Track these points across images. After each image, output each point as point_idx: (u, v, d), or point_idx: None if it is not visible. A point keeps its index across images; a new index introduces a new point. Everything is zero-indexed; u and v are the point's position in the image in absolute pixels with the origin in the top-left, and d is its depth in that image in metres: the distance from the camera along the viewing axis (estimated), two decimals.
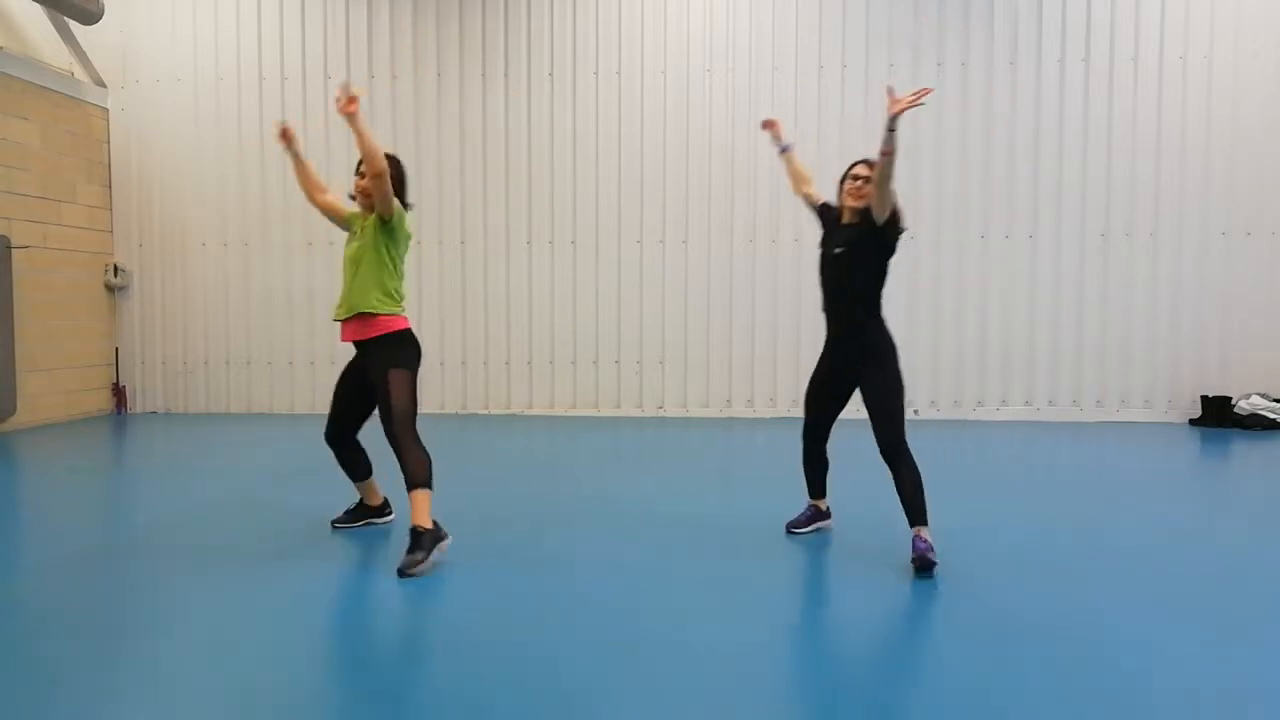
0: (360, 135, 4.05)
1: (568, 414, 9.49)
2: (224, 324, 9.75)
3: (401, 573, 3.95)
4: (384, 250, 4.32)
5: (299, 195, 9.43)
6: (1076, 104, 8.95)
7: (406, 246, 4.49)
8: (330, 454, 4.78)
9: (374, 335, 4.35)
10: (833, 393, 4.49)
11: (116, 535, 4.88)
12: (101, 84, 9.60)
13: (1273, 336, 8.89)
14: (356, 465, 4.74)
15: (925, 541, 3.99)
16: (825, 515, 4.76)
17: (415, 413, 4.30)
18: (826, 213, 4.49)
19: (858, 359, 4.31)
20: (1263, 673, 2.98)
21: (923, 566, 3.93)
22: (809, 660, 3.18)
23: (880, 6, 9.06)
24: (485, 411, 9.58)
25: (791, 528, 4.69)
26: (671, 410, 9.44)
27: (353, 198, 4.53)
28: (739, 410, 9.34)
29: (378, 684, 2.90)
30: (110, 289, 9.71)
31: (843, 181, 4.30)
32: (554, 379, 9.51)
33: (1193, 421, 8.89)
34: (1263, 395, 8.68)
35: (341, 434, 4.67)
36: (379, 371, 4.31)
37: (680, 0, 9.22)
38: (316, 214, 4.88)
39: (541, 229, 9.45)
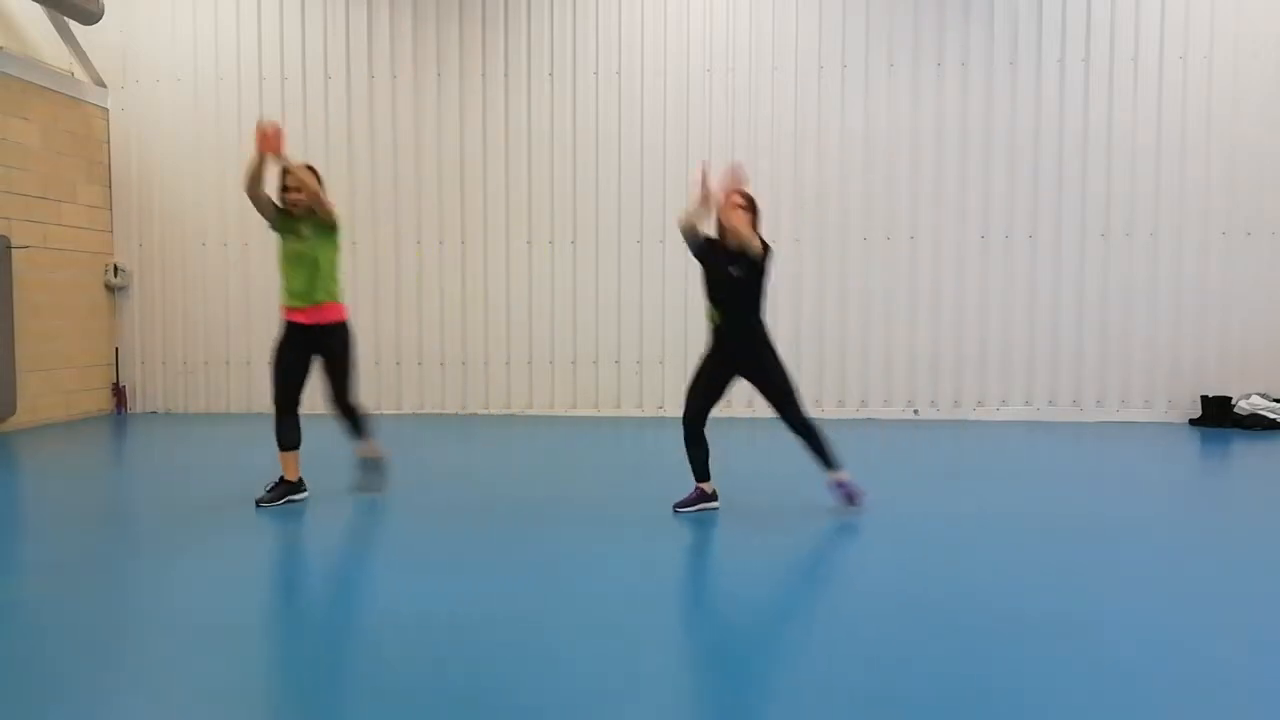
0: (294, 172, 5.00)
1: (568, 414, 9.49)
2: (224, 324, 9.75)
3: (364, 490, 5.22)
4: (334, 251, 5.27)
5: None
6: (1076, 104, 8.96)
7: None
8: (302, 449, 5.27)
9: (332, 320, 5.26)
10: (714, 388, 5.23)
11: (117, 535, 4.88)
12: (101, 84, 9.60)
13: (1273, 336, 8.89)
14: (295, 434, 5.33)
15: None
16: (712, 497, 5.14)
17: None
18: (708, 242, 5.18)
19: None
20: (1262, 672, 2.98)
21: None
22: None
23: (880, 7, 9.07)
24: (485, 411, 9.58)
25: (678, 507, 5.08)
26: (671, 410, 9.43)
27: (281, 205, 5.22)
28: (739, 410, 9.33)
29: (380, 680, 2.90)
30: (110, 289, 9.71)
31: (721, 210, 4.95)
32: (554, 379, 9.51)
33: (1193, 421, 8.89)
34: (1263, 395, 8.69)
35: (293, 403, 5.34)
36: (339, 349, 5.24)
37: (680, 1, 9.22)
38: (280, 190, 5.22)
39: (541, 229, 9.45)
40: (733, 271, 4.88)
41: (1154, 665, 3.04)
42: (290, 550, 4.55)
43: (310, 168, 5.13)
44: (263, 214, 5.25)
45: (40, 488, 6.27)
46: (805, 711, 2.70)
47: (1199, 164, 8.90)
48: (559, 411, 9.51)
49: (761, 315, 5.05)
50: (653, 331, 9.41)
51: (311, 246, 5.16)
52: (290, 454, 5.32)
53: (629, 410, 9.46)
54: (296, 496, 5.33)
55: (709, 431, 5.21)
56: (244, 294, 9.71)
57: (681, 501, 5.12)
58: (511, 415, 9.48)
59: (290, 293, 5.26)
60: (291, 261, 5.21)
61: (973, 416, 9.15)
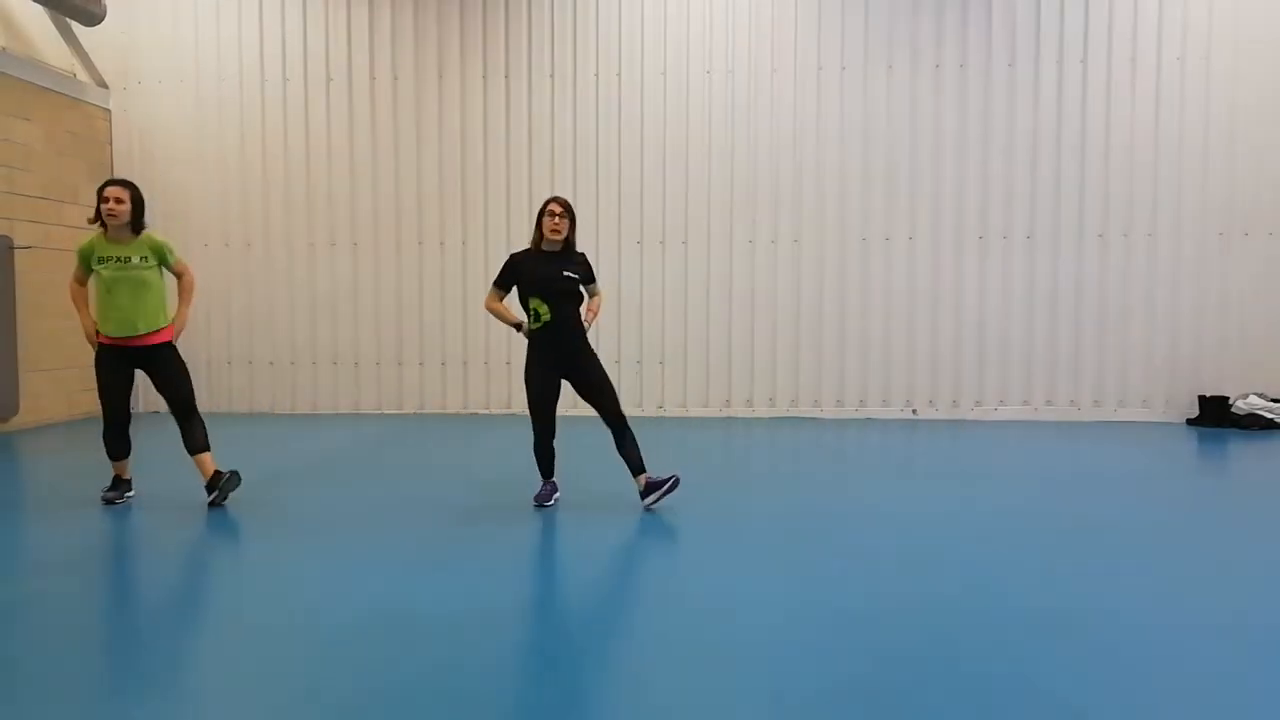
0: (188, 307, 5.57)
1: (567, 414, 9.49)
2: (226, 324, 9.79)
3: (214, 504, 5.24)
4: (162, 276, 5.53)
5: (300, 195, 9.58)
6: (1074, 105, 8.99)
7: None
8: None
9: (165, 340, 5.40)
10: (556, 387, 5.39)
11: (118, 535, 4.91)
12: (104, 85, 9.63)
13: (1270, 337, 8.93)
14: (127, 445, 5.55)
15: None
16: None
17: None
18: (517, 263, 5.29)
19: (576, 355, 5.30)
20: (1261, 672, 3.01)
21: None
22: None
23: (879, 9, 9.10)
24: (486, 411, 9.62)
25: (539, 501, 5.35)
26: (671, 410, 9.48)
27: (94, 220, 5.46)
28: (739, 410, 9.38)
29: (380, 677, 2.93)
30: None
31: (540, 217, 5.22)
32: None
33: (1190, 421, 8.93)
34: (1260, 395, 8.72)
35: (126, 422, 5.50)
36: (176, 365, 5.43)
37: (680, 2, 9.26)
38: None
39: None
40: (567, 274, 5.21)
41: (1151, 665, 3.07)
42: (292, 548, 4.58)
43: (130, 183, 5.63)
44: (85, 260, 5.52)
45: (42, 487, 6.30)
46: (808, 712, 2.73)
47: (1196, 165, 8.93)
48: (560, 411, 9.49)
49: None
50: (653, 331, 9.45)
51: (145, 273, 5.39)
52: (124, 461, 5.58)
53: (629, 410, 9.39)
54: (130, 495, 5.55)
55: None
56: (246, 294, 9.75)
57: (540, 494, 5.39)
58: (512, 415, 9.51)
59: (122, 321, 5.33)
60: (117, 286, 5.35)
61: (971, 416, 9.18)
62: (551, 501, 5.40)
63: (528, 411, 5.35)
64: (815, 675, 2.94)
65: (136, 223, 5.39)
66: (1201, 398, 8.88)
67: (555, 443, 5.43)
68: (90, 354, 5.50)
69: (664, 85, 9.32)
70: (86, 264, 5.40)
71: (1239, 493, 6.26)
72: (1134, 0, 8.93)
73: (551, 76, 9.41)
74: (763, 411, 9.38)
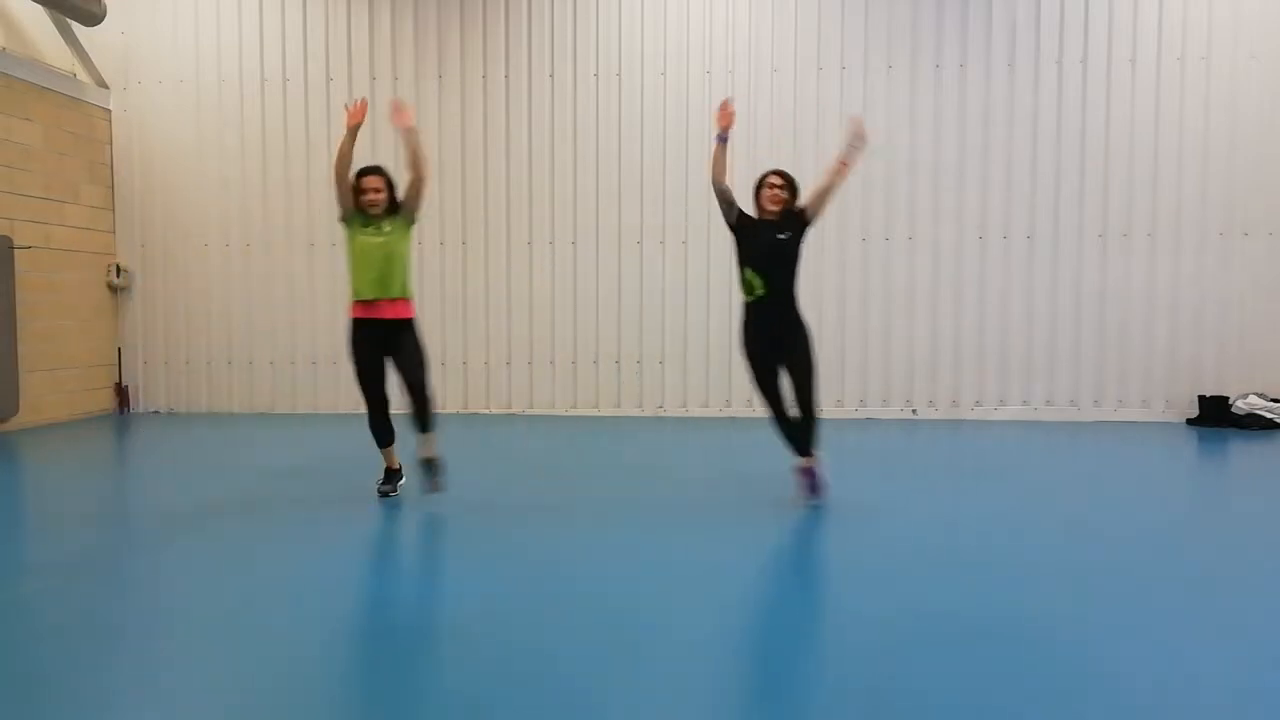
0: (418, 147, 5.25)
1: (568, 414, 9.52)
2: (226, 324, 9.79)
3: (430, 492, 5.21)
4: (409, 246, 5.35)
5: (300, 196, 9.57)
6: (1074, 105, 8.99)
7: None
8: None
9: (408, 316, 5.31)
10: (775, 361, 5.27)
11: (118, 534, 4.92)
12: (104, 85, 9.64)
13: (1270, 337, 8.93)
14: (390, 430, 5.42)
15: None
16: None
17: None
18: (744, 216, 5.28)
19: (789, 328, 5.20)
20: (1260, 672, 3.01)
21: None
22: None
23: (879, 8, 9.10)
24: (486, 411, 9.62)
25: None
26: (671, 410, 9.48)
27: (346, 217, 5.37)
28: (739, 410, 9.37)
29: (381, 676, 2.94)
30: (113, 289, 9.75)
31: (759, 189, 5.20)
32: (554, 379, 9.55)
33: (1190, 421, 8.93)
34: (1260, 395, 8.72)
35: (385, 400, 5.41)
36: (414, 342, 5.30)
37: (680, 2, 9.26)
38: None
39: (542, 229, 9.49)
40: (780, 236, 5.10)
41: (1148, 665, 3.07)
42: (292, 548, 4.58)
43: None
44: (340, 200, 5.35)
45: (43, 487, 6.31)
46: (811, 711, 2.74)
47: (1196, 165, 8.93)
48: (559, 411, 9.55)
49: (798, 288, 5.24)
50: (653, 331, 9.45)
51: (393, 242, 5.24)
52: (391, 449, 5.47)
53: (629, 410, 9.49)
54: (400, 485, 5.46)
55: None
56: (246, 294, 9.75)
57: (804, 487, 5.27)
58: (512, 415, 9.52)
59: (361, 288, 5.22)
60: (369, 253, 5.23)
61: (970, 416, 9.18)
62: (822, 491, 5.20)
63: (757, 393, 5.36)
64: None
65: (393, 205, 5.31)
66: (1201, 398, 8.88)
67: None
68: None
69: (664, 85, 9.32)
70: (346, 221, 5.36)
71: (1239, 493, 6.26)
72: (1134, 0, 8.93)
73: (551, 76, 9.42)
74: (763, 411, 9.36)
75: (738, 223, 5.27)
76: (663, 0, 9.26)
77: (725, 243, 9.30)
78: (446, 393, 9.63)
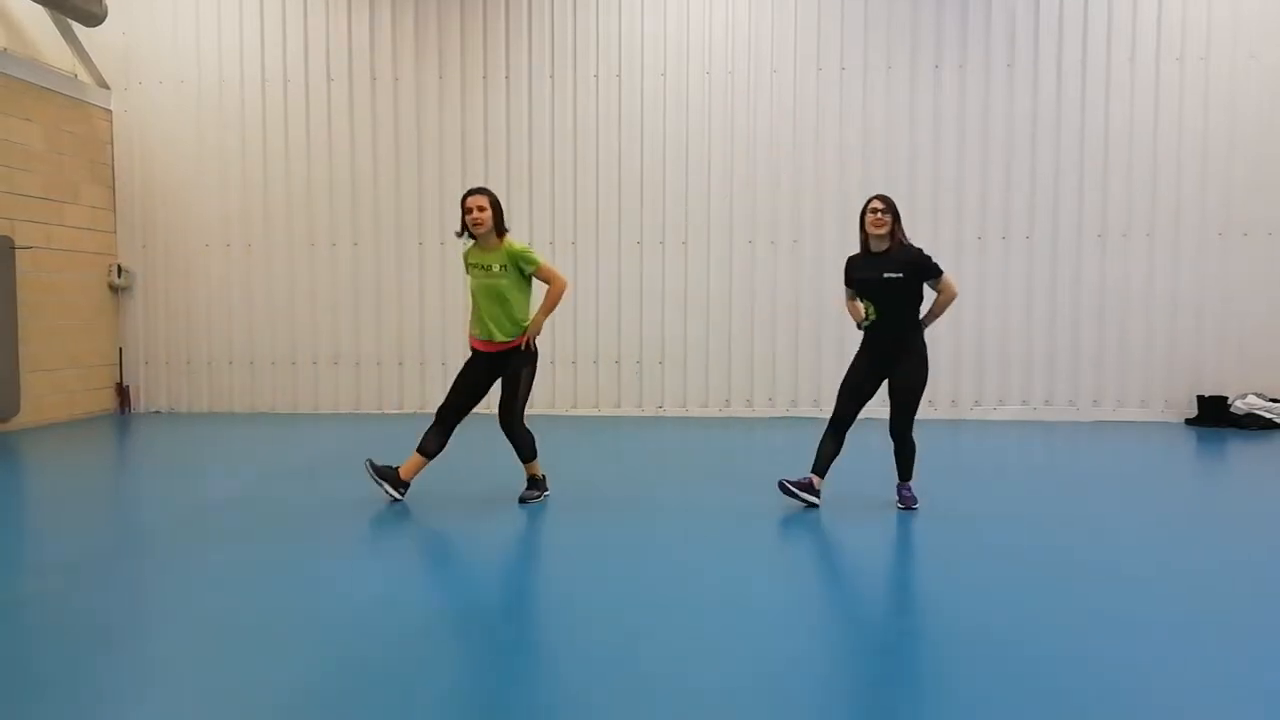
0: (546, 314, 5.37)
1: (568, 414, 9.54)
2: (227, 324, 9.81)
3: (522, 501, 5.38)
4: (525, 286, 5.37)
5: (301, 196, 9.61)
6: (1073, 106, 9.00)
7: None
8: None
9: (516, 346, 5.39)
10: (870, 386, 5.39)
11: (119, 534, 4.93)
12: (105, 85, 9.65)
13: (1269, 336, 8.93)
14: (441, 443, 5.42)
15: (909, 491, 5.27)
16: (815, 493, 5.28)
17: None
18: (851, 263, 5.34)
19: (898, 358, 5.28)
20: (1260, 673, 3.03)
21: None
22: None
23: (878, 9, 9.11)
24: (487, 411, 9.60)
25: (785, 481, 5.30)
26: (671, 410, 9.49)
27: (461, 233, 5.43)
28: (739, 410, 9.39)
29: (384, 676, 2.95)
30: (114, 289, 9.76)
31: (863, 215, 5.18)
32: (554, 379, 9.56)
33: (1189, 421, 8.93)
34: (1259, 395, 8.73)
35: (453, 419, 5.46)
36: (515, 373, 5.38)
37: (680, 3, 9.27)
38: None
39: (543, 230, 9.49)
40: (888, 275, 5.14)
41: (1147, 665, 3.09)
42: (292, 547, 4.59)
43: (488, 191, 5.44)
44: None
45: (44, 487, 6.32)
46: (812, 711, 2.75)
47: (1195, 165, 8.94)
48: (560, 411, 9.56)
49: (918, 315, 5.25)
50: (653, 331, 9.46)
51: (499, 283, 5.25)
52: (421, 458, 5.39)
53: (629, 410, 9.50)
54: (395, 493, 5.37)
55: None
56: (246, 294, 9.77)
57: (792, 481, 5.30)
58: None
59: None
60: (480, 294, 5.31)
61: (970, 416, 9.19)
62: (808, 496, 5.24)
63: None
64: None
65: (499, 227, 5.27)
66: (1200, 397, 8.89)
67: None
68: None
69: (664, 85, 9.33)
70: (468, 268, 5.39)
71: (1242, 492, 6.27)
72: (1133, 1, 8.93)
73: (551, 77, 9.43)
74: (763, 411, 9.40)
75: (851, 274, 5.33)
76: (663, 1, 9.27)
77: (724, 243, 9.37)
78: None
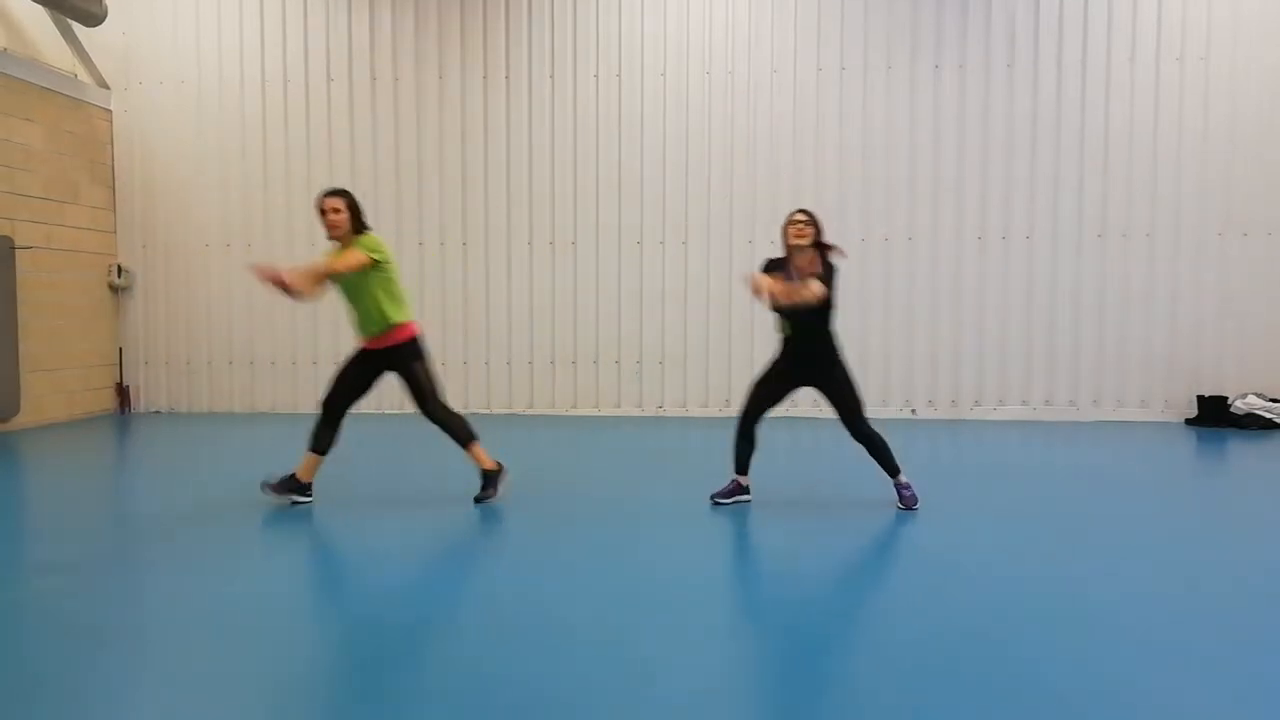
0: (323, 274, 4.98)
1: (568, 414, 9.54)
2: (227, 324, 9.81)
3: (477, 500, 5.30)
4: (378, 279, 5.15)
5: (301, 195, 9.59)
6: (1073, 106, 9.00)
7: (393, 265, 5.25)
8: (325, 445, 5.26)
9: (399, 342, 5.25)
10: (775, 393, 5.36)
11: (119, 534, 4.93)
12: (105, 86, 9.65)
13: (1269, 337, 8.93)
14: (329, 440, 5.32)
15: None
16: (746, 491, 5.37)
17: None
18: (773, 264, 5.20)
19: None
20: (1261, 673, 3.03)
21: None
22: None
23: (879, 9, 9.11)
24: (487, 411, 9.63)
25: (716, 498, 5.33)
26: (671, 410, 9.49)
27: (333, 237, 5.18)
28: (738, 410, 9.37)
29: (379, 676, 2.95)
30: (114, 289, 9.77)
31: (786, 227, 5.15)
32: (554, 379, 9.56)
33: (1189, 421, 8.93)
34: (1259, 395, 8.73)
35: (338, 416, 5.32)
36: (412, 365, 5.30)
37: (680, 3, 9.27)
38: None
39: (542, 230, 9.50)
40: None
41: (1147, 664, 3.09)
42: (292, 547, 4.60)
43: (345, 191, 5.19)
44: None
45: (44, 487, 6.32)
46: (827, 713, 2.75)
47: (1195, 165, 8.94)
48: (560, 411, 9.56)
49: (832, 327, 5.13)
50: (653, 331, 9.46)
51: (358, 278, 5.12)
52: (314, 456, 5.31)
53: (629, 410, 9.50)
54: (301, 499, 5.32)
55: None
56: (246, 294, 9.75)
57: (719, 492, 5.35)
58: (512, 415, 9.53)
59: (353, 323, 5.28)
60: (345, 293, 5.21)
61: (970, 416, 9.19)
62: (731, 500, 5.31)
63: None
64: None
65: (357, 227, 5.14)
66: (1200, 397, 8.89)
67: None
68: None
69: (664, 85, 9.33)
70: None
71: (1242, 492, 6.27)
72: (1133, 0, 8.94)
73: (551, 77, 9.43)
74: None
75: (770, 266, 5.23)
76: (663, 1, 9.27)
77: (724, 243, 9.37)
78: (448, 393, 9.62)
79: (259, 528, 4.90)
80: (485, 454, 5.39)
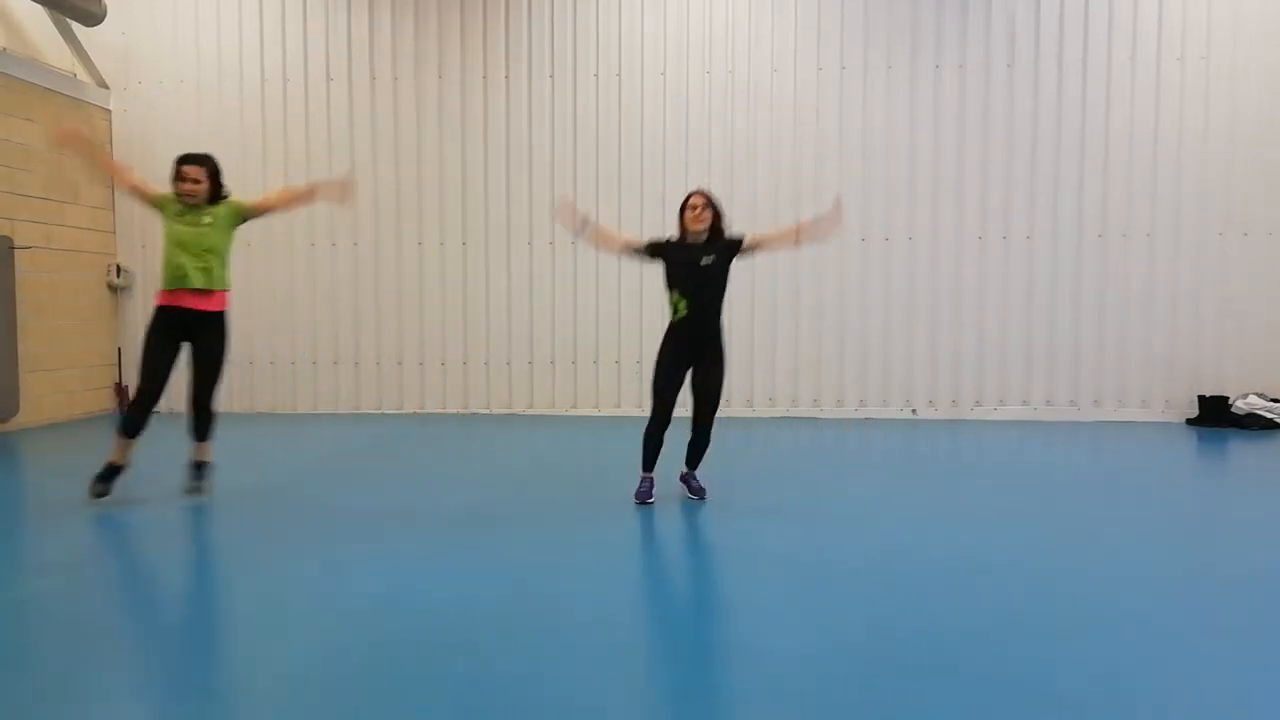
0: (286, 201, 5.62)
1: (568, 414, 9.53)
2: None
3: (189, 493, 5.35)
4: (232, 240, 5.39)
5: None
6: (1074, 105, 9.00)
7: None
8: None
9: (221, 309, 5.30)
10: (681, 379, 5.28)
11: (120, 534, 4.93)
12: (104, 85, 9.64)
13: (1270, 337, 8.93)
14: (141, 425, 5.33)
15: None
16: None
17: None
18: (665, 244, 5.32)
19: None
20: (1261, 673, 3.02)
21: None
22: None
23: (879, 9, 9.11)
24: (486, 411, 9.63)
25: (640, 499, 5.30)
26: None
27: (179, 195, 5.40)
28: (739, 410, 9.38)
29: (374, 674, 2.95)
30: (113, 289, 9.76)
31: (683, 210, 5.20)
32: (554, 379, 9.56)
33: (1190, 421, 8.93)
34: (1260, 395, 8.72)
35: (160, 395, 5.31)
36: (221, 339, 5.31)
37: (680, 3, 9.26)
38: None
39: (542, 230, 9.49)
40: (705, 262, 5.12)
41: (1147, 664, 3.08)
42: (293, 546, 4.59)
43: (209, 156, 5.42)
44: (147, 204, 5.53)
45: (44, 487, 6.31)
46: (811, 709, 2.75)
47: (1196, 165, 8.93)
48: (560, 411, 9.56)
49: (722, 308, 5.22)
50: (653, 332, 9.41)
51: (216, 234, 5.29)
52: (133, 441, 5.36)
53: (629, 410, 9.49)
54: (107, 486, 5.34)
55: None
56: (246, 294, 9.70)
57: (641, 492, 5.32)
58: (512, 415, 9.53)
59: (187, 274, 5.20)
60: (186, 244, 5.28)
61: (970, 416, 9.19)
62: (651, 500, 5.28)
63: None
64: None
65: (215, 196, 5.30)
66: (1201, 398, 8.89)
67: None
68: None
69: (664, 85, 9.33)
70: (157, 205, 5.41)
71: (1242, 492, 6.27)
72: (1134, 0, 8.93)
73: (551, 77, 9.42)
74: (763, 411, 9.39)
75: (659, 250, 5.29)
76: (663, 1, 9.27)
77: None
78: (447, 393, 9.65)
79: (258, 527, 4.89)
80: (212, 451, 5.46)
